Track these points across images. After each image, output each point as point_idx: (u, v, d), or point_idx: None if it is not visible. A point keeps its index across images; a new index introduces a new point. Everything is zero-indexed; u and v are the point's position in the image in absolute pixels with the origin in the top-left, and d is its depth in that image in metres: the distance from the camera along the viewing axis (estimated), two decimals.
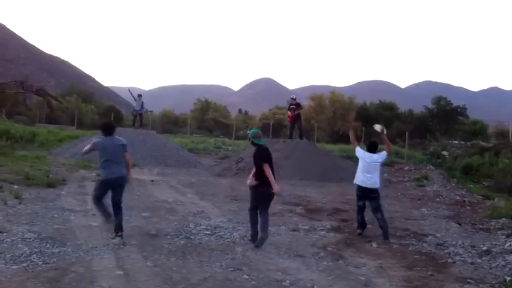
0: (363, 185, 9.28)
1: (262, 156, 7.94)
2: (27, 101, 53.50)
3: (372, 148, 9.56)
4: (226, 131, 55.35)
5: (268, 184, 7.77)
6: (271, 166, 7.90)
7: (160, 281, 5.75)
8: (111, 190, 7.84)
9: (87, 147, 7.99)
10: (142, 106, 26.28)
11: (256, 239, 7.90)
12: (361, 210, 9.39)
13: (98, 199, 7.96)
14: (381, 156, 9.52)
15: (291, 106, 21.16)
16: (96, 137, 8.13)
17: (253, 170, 8.08)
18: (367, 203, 9.39)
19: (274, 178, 7.85)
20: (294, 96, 22.08)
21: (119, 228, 7.75)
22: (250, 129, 9.01)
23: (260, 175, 7.87)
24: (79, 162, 18.58)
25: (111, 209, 7.92)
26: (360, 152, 9.58)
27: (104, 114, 53.29)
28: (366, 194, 9.31)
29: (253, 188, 8.03)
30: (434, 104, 54.02)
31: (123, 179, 7.81)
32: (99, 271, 5.93)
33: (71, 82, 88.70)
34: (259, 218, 8.00)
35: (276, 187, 7.77)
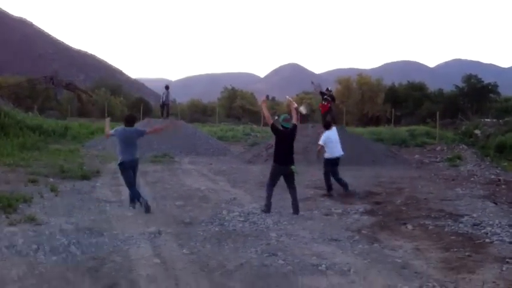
0: (340, 154, 12.08)
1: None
2: (57, 96, 54.31)
3: (330, 126, 12.42)
4: (254, 118, 55.26)
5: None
6: (281, 145, 9.52)
7: (197, 268, 5.80)
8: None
9: (111, 131, 9.57)
10: (168, 97, 26.67)
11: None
12: (330, 175, 11.97)
13: (129, 184, 9.34)
14: (335, 130, 12.34)
15: (326, 97, 20.94)
16: (120, 127, 9.58)
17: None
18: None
19: (291, 155, 9.47)
20: (330, 88, 21.93)
21: (132, 200, 9.36)
22: (279, 115, 10.25)
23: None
24: (112, 154, 18.80)
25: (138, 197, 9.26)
26: (326, 134, 12.13)
27: (132, 106, 53.91)
28: (337, 161, 12.07)
29: None
30: (465, 83, 52.78)
31: (135, 161, 9.47)
32: (136, 260, 6.02)
33: (100, 76, 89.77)
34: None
35: None
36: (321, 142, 12.08)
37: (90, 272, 5.55)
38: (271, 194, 9.46)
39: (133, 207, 9.23)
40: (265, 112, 9.89)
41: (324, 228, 8.20)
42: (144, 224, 7.92)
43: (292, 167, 9.39)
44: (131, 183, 9.30)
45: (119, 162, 9.37)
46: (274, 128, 9.58)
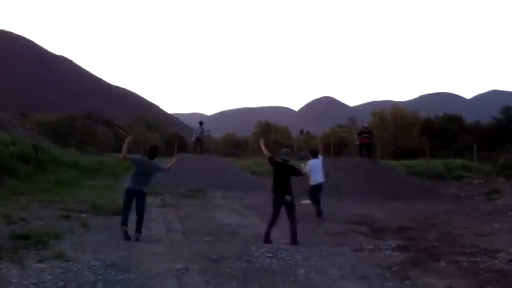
0: (321, 181, 13.68)
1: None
2: (95, 132, 55.49)
3: (317, 154, 14.12)
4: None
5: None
6: (278, 176, 10.01)
7: None
8: (134, 199, 9.89)
9: (131, 156, 10.23)
10: (202, 132, 27.10)
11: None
12: (319, 200, 13.45)
13: (125, 207, 9.91)
14: (321, 159, 14.11)
15: (364, 135, 20.92)
16: (140, 155, 10.45)
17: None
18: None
19: (287, 185, 9.97)
20: (366, 124, 21.93)
21: (137, 230, 9.74)
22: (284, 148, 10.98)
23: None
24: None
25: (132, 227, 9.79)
26: (311, 162, 13.58)
27: (168, 141, 54.54)
28: (319, 187, 13.60)
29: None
30: (503, 114, 51.72)
31: (142, 193, 9.91)
32: None
33: (137, 111, 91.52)
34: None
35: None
36: (307, 168, 12.91)
37: None
38: (272, 222, 9.98)
39: (126, 231, 9.61)
40: (264, 149, 10.36)
41: (354, 264, 8.03)
42: (171, 260, 7.89)
43: (287, 196, 9.89)
44: (126, 207, 9.86)
45: (126, 187, 10.09)
46: (271, 160, 10.13)
